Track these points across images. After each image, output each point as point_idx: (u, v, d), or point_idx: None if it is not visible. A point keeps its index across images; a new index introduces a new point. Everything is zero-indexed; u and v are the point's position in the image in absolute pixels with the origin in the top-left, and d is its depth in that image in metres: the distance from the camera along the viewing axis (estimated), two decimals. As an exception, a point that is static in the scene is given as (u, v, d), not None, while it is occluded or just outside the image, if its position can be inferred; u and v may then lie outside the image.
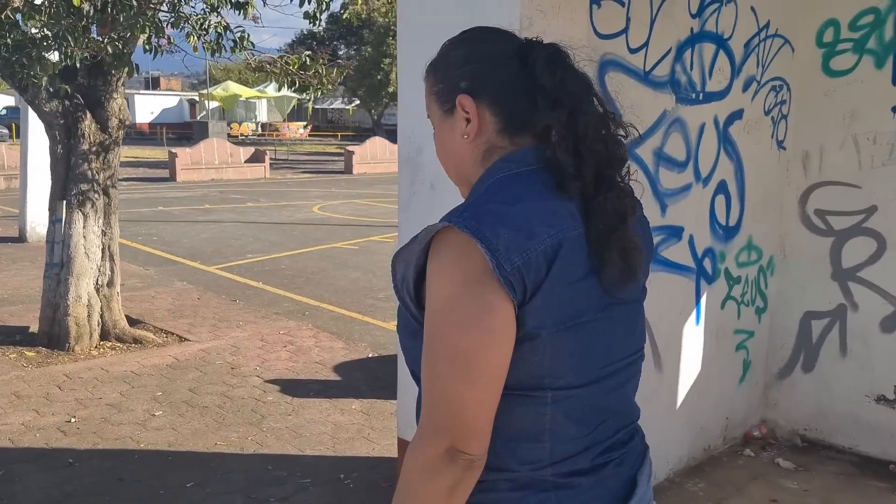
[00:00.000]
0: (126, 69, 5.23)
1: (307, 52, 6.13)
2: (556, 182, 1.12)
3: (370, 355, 6.35)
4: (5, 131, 33.74)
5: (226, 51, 5.41)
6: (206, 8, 5.41)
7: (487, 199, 1.11)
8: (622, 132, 1.20)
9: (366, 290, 8.69)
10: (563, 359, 1.09)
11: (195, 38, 5.23)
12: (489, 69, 1.17)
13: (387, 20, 37.12)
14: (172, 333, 6.79)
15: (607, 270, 1.12)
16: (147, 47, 4.92)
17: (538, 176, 1.13)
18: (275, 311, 7.65)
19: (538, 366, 1.08)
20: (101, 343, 6.38)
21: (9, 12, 4.19)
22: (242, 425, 4.82)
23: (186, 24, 5.28)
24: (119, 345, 6.40)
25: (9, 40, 4.32)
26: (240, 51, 5.56)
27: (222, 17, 5.51)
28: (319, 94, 6.20)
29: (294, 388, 5.54)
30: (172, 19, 5.18)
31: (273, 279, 9.08)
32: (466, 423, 1.04)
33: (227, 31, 5.38)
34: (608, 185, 1.14)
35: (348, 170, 25.61)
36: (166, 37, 4.92)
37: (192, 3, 5.53)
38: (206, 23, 5.24)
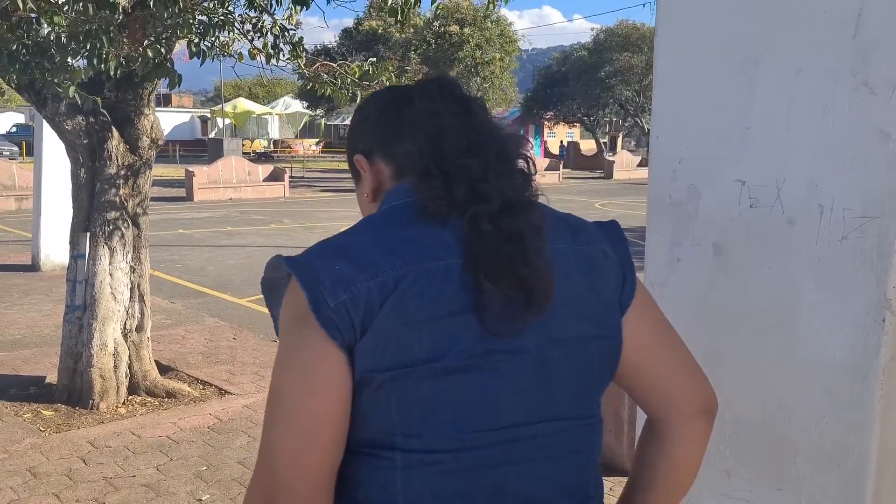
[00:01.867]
0: (166, 78, 4.34)
1: (371, 59, 5.25)
2: (422, 206, 1.02)
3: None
4: (15, 149, 33.10)
5: (284, 55, 4.54)
6: (256, 8, 4.56)
7: (341, 235, 1.04)
8: (524, 154, 1.10)
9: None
10: (414, 412, 0.96)
11: (248, 41, 4.35)
12: (372, 124, 1.15)
13: (404, 34, 36.46)
14: (210, 384, 5.88)
15: (487, 305, 0.96)
16: (194, 50, 4.04)
17: (409, 207, 1.04)
18: (321, 353, 6.75)
19: (384, 419, 0.96)
20: (130, 398, 5.48)
21: (26, 8, 3.31)
22: (311, 515, 3.90)
23: (236, 26, 4.40)
24: (150, 400, 5.50)
25: (27, 41, 3.46)
26: (297, 57, 4.68)
27: (276, 19, 4.65)
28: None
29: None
30: (220, 20, 4.31)
31: (313, 314, 8.17)
32: (278, 476, 0.96)
33: (285, 33, 4.50)
34: (484, 200, 1.00)
35: (369, 188, 24.72)
36: (215, 37, 4.05)
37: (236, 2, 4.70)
38: (261, 23, 4.37)
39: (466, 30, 25.03)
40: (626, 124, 42.35)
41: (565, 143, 44.25)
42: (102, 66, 3.53)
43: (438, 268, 0.97)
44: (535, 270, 0.98)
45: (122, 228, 5.40)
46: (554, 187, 28.73)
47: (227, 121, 39.43)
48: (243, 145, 37.83)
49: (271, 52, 4.40)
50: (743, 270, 1.41)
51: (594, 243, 1.11)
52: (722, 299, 1.44)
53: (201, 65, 4.11)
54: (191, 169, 21.57)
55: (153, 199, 18.42)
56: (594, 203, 22.19)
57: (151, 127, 5.42)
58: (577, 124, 43.37)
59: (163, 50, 3.94)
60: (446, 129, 1.06)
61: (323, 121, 46.85)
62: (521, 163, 1.09)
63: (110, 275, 5.38)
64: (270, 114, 42.75)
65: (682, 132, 1.46)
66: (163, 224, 15.34)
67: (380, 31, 36.69)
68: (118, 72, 3.85)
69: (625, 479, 1.29)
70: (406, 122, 1.10)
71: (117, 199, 5.35)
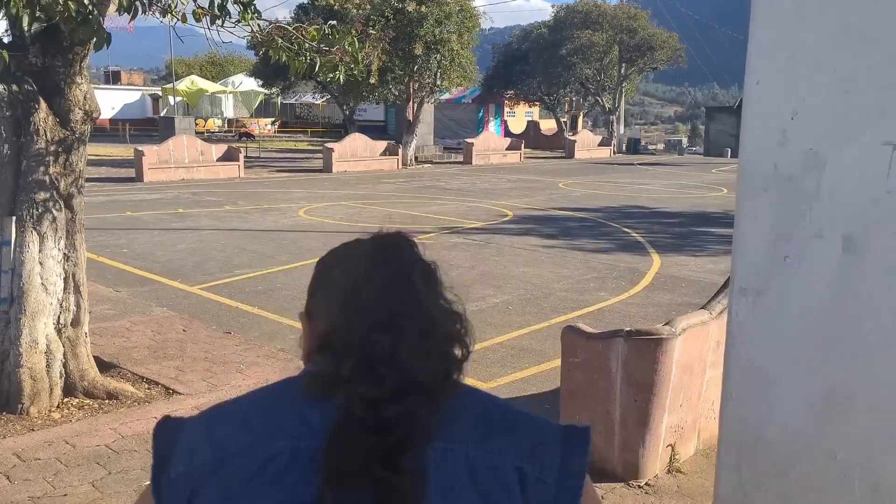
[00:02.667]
0: (94, 40, 3.76)
1: (331, 22, 4.72)
2: (302, 381, 0.99)
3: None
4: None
5: (231, 18, 3.99)
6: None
7: (235, 398, 1.03)
8: (458, 334, 1.01)
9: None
10: None
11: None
12: (313, 283, 1.11)
13: (361, 10, 35.52)
14: (157, 383, 5.34)
15: None
16: (125, 4, 3.46)
17: (300, 379, 1.00)
18: (280, 346, 6.24)
19: None
20: (65, 401, 4.92)
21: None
22: None
23: (178, -18, 3.85)
24: (88, 402, 4.95)
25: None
26: (249, 19, 4.13)
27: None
28: (346, 76, 4.80)
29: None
30: (159, -27, 3.75)
31: (270, 302, 7.65)
32: None
33: (234, -9, 3.96)
34: (373, 382, 0.91)
35: (328, 168, 24.07)
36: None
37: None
38: (206, -22, 3.82)
39: (424, 7, 24.30)
40: (586, 103, 42.11)
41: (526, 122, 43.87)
42: (16, 24, 2.95)
43: (281, 450, 0.91)
44: (396, 473, 0.86)
45: (54, 211, 4.81)
46: (515, 167, 28.38)
47: (179, 99, 38.15)
48: (196, 125, 36.68)
49: (217, 12, 3.84)
50: (888, 274, 0.97)
51: (512, 455, 0.95)
52: (853, 314, 1.00)
53: (131, 20, 3.54)
54: (140, 148, 20.64)
55: (99, 180, 17.59)
56: (557, 183, 21.88)
57: (85, 98, 4.83)
58: (538, 103, 42.99)
59: (88, 3, 3.36)
60: (364, 300, 0.98)
61: (279, 99, 45.69)
62: (448, 344, 0.98)
63: (40, 263, 4.80)
64: (224, 92, 41.52)
65: (795, 72, 1.00)
66: (109, 206, 14.55)
67: (336, 6, 35.72)
68: (33, 26, 3.27)
69: (616, 485, 0.90)
70: (330, 289, 1.05)
71: (47, 179, 4.76)
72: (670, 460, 4.17)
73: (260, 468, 0.90)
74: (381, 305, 0.96)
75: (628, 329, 3.99)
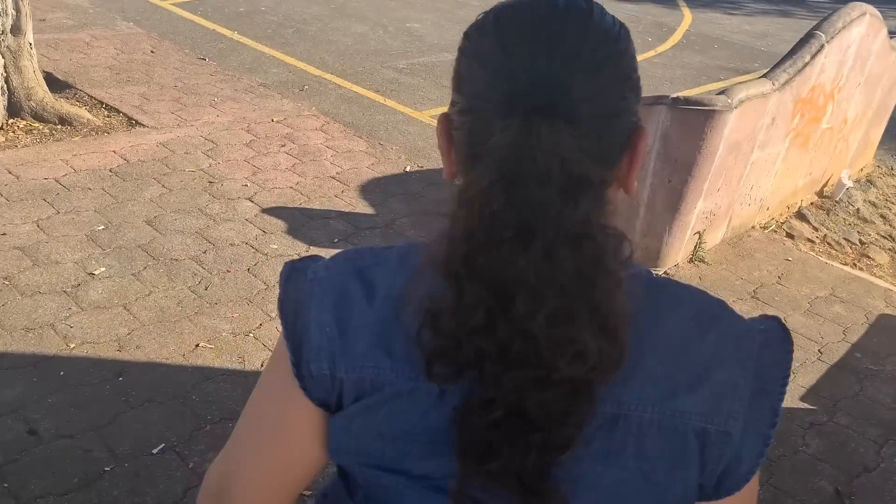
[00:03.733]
0: None
1: None
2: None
3: (407, 168, 4.42)
4: None
5: None
6: None
7: (364, 268, 0.75)
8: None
9: (379, 53, 6.49)
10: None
11: None
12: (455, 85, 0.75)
13: None
14: (117, 111, 4.68)
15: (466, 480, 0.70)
16: None
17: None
18: (261, 80, 5.50)
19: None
20: (11, 122, 4.29)
21: None
22: (238, 303, 3.01)
23: None
24: (37, 126, 4.32)
25: None
26: None
27: None
28: None
29: (308, 226, 3.66)
30: None
31: (252, 27, 6.74)
32: (232, 491, 0.80)
33: None
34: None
35: None
36: None
37: None
38: None
39: None
40: None
41: None
42: None
43: (428, 391, 0.70)
44: (542, 486, 0.66)
45: None
46: None
47: None
48: None
49: None
50: None
51: (697, 416, 0.69)
52: None
53: None
54: None
55: None
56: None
57: None
58: None
59: None
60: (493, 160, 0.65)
61: None
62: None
63: (-37, -47, 3.90)
64: None
65: None
66: None
67: None
68: None
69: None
70: (461, 117, 0.73)
71: None
72: (695, 249, 3.71)
73: (407, 404, 0.72)
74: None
75: (675, 96, 3.31)
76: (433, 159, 4.54)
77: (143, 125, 4.51)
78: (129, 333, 2.76)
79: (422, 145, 4.73)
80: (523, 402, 0.64)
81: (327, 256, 0.80)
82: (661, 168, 3.38)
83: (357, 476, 0.78)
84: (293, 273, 0.78)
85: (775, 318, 0.76)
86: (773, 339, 0.74)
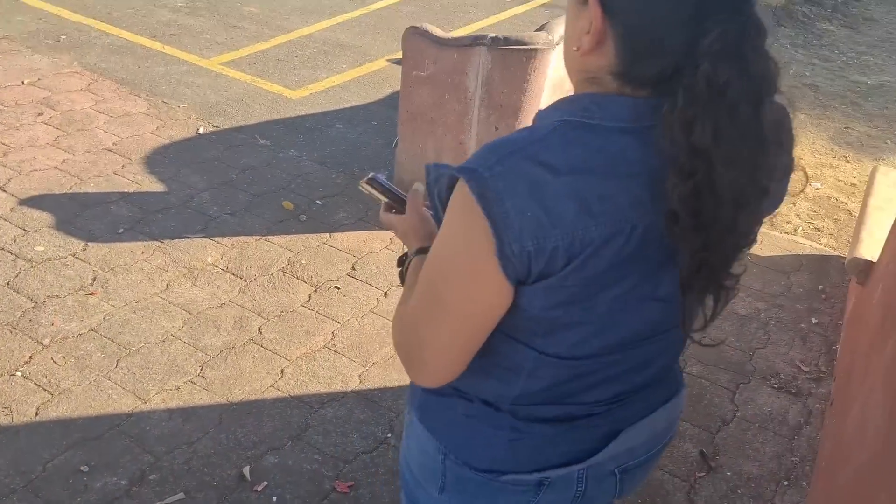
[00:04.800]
0: None
1: None
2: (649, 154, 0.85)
3: (200, 130, 3.83)
4: None
5: None
6: None
7: (535, 154, 0.84)
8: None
9: (151, -11, 5.64)
10: (559, 335, 0.95)
11: None
12: None
13: None
14: None
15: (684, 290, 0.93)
16: None
17: (617, 139, 0.85)
18: (2, 32, 4.57)
19: (529, 326, 0.95)
20: None
21: None
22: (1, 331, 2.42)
23: None
24: None
25: None
26: None
27: None
28: None
29: (83, 217, 3.04)
30: None
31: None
32: (429, 346, 0.95)
33: None
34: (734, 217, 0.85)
35: None
36: None
37: None
38: None
39: None
40: None
41: None
42: None
43: (636, 231, 0.87)
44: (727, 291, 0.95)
45: None
46: None
47: None
48: None
49: None
50: None
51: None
52: None
53: None
54: None
55: None
56: None
57: None
58: None
59: None
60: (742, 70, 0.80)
61: None
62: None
63: None
64: None
65: None
66: None
67: None
68: None
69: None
70: (700, 43, 0.80)
71: None
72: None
73: (615, 248, 0.88)
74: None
75: (494, 35, 3.00)
76: (230, 116, 3.98)
77: None
78: None
79: (215, 100, 4.13)
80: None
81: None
82: (487, 116, 3.08)
83: (547, 319, 0.92)
84: (469, 174, 0.84)
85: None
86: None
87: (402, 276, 1.11)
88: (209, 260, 2.91)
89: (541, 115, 0.93)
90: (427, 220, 1.12)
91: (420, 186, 1.08)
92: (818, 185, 4.20)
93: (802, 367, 2.73)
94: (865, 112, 5.16)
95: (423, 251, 1.05)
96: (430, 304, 0.93)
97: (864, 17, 7.18)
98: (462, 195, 0.85)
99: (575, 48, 0.89)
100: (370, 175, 1.22)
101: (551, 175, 0.83)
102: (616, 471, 1.10)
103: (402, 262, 1.12)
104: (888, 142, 4.80)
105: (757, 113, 0.81)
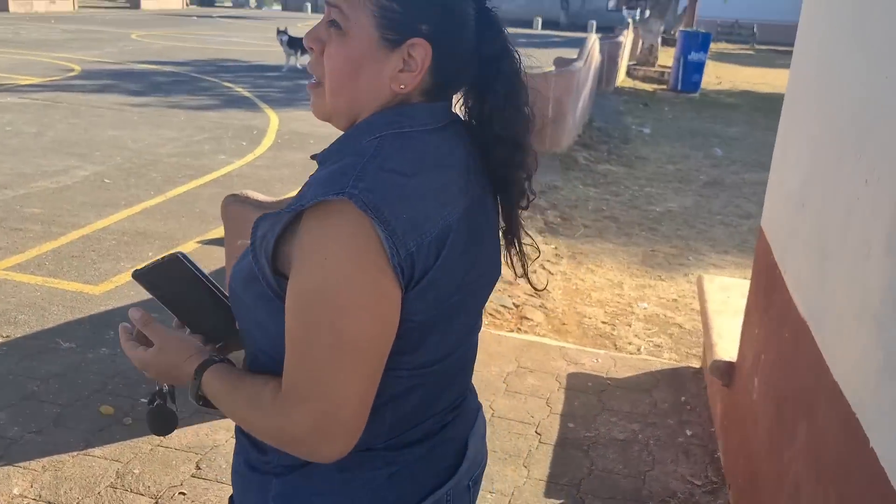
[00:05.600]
0: None
1: None
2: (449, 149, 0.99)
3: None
4: None
5: None
6: None
7: (381, 166, 0.90)
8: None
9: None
10: (427, 341, 0.97)
11: None
12: (457, 25, 0.97)
13: None
14: None
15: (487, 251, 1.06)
16: None
17: (429, 140, 0.97)
18: None
19: (398, 347, 0.94)
20: None
21: None
22: None
23: None
24: None
25: None
26: None
27: None
28: None
29: None
30: None
31: None
32: (341, 414, 0.89)
33: None
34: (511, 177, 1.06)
35: None
36: None
37: None
38: None
39: None
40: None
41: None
42: None
43: (463, 213, 0.97)
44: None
45: None
46: (69, 16, 23.97)
47: None
48: None
49: None
50: None
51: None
52: None
53: None
54: None
55: None
56: (130, 34, 18.85)
57: None
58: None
59: None
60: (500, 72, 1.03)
61: None
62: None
63: None
64: None
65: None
66: None
67: None
68: None
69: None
70: (481, 55, 1.01)
71: None
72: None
73: (459, 232, 0.95)
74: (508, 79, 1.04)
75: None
76: (22, 324, 3.46)
77: None
78: None
79: (2, 309, 3.59)
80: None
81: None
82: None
83: (425, 324, 0.94)
84: (345, 194, 0.84)
85: None
86: None
87: (200, 397, 0.99)
88: (16, 492, 2.36)
89: (343, 147, 0.96)
90: (183, 336, 1.04)
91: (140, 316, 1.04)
92: (645, 304, 4.37)
93: (695, 482, 2.65)
94: (663, 234, 5.59)
95: (205, 365, 0.98)
96: (331, 350, 0.87)
97: (636, 157, 8.00)
98: (339, 217, 0.85)
99: (401, 86, 0.94)
100: (173, 253, 1.05)
101: (405, 178, 0.90)
102: (469, 484, 1.10)
103: (195, 392, 0.99)
104: (690, 258, 5.18)
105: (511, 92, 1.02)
